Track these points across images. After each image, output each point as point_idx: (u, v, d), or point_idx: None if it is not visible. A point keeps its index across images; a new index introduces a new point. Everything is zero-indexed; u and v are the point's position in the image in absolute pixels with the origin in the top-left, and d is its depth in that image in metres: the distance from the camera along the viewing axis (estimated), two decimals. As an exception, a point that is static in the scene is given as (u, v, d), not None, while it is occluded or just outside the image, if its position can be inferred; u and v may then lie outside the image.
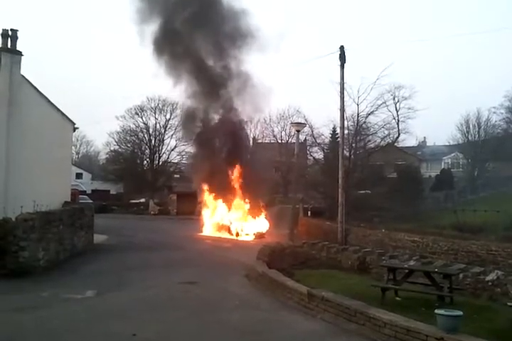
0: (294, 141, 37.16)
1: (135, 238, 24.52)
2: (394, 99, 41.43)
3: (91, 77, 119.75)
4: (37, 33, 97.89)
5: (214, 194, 31.11)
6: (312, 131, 40.22)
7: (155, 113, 55.83)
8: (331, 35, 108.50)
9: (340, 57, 21.34)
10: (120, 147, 58.53)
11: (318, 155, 44.28)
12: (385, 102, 38.02)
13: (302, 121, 34.64)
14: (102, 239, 22.75)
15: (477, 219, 25.69)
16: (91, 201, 40.01)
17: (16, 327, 8.64)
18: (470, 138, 55.92)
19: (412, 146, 58.00)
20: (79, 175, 64.48)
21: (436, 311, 7.29)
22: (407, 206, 35.68)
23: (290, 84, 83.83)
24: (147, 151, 57.81)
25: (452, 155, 62.34)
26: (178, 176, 60.20)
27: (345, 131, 29.14)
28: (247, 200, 30.21)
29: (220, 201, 30.82)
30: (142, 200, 53.37)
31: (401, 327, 7.64)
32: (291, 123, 36.08)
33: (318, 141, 41.30)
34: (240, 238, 27.68)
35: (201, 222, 30.71)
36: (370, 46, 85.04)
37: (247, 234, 28.00)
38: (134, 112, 55.82)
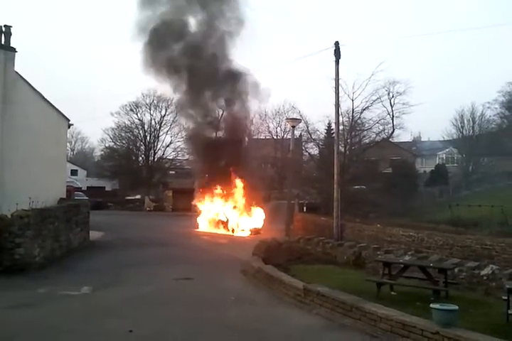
0: (289, 136, 37.10)
1: (131, 234, 24.46)
2: (389, 94, 41.28)
3: (86, 73, 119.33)
4: (33, 29, 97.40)
5: (210, 190, 31.09)
6: (307, 127, 40.30)
7: (150, 109, 55.64)
8: (326, 30, 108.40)
9: (335, 52, 21.31)
10: (115, 143, 58.30)
11: (314, 150, 44.37)
12: (379, 98, 37.94)
13: (297, 117, 34.62)
14: (97, 236, 22.70)
15: (471, 214, 25.82)
16: (86, 198, 39.92)
17: (12, 324, 8.63)
18: (464, 133, 56.13)
19: (407, 142, 58.10)
20: (74, 172, 64.20)
21: (431, 305, 7.33)
22: (402, 201, 35.82)
23: (285, 80, 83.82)
24: (142, 148, 57.63)
25: (447, 150, 62.54)
26: (173, 172, 60.06)
27: (341, 127, 29.23)
28: (243, 196, 30.21)
29: (216, 197, 30.80)
30: (138, 197, 53.25)
31: (397, 321, 7.68)
32: (287, 118, 36.04)
33: (313, 137, 41.39)
34: (236, 234, 27.70)
35: (197, 218, 30.70)
36: (365, 42, 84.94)
37: (243, 230, 28.02)
38: (128, 109, 55.56)
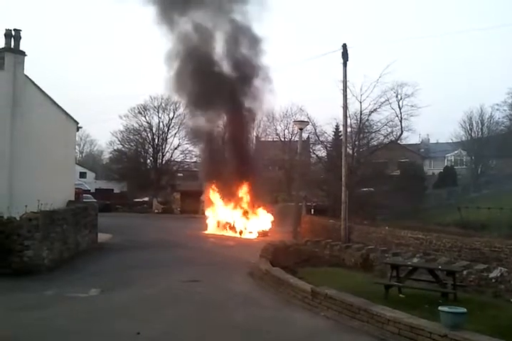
0: (297, 139, 37.05)
1: (139, 237, 24.54)
2: (397, 96, 41.25)
3: (94, 76, 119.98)
4: (40, 33, 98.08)
5: (218, 192, 31.14)
6: (315, 129, 40.17)
7: (158, 112, 55.79)
8: (333, 32, 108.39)
9: (342, 55, 21.32)
10: (123, 146, 58.52)
11: (321, 153, 44.24)
12: (387, 100, 37.85)
13: (305, 119, 34.62)
14: (106, 238, 22.78)
15: (480, 216, 25.65)
16: (95, 200, 40.06)
17: (20, 326, 8.67)
18: (473, 135, 55.83)
19: (415, 144, 57.90)
20: (83, 174, 64.51)
21: (439, 308, 7.30)
22: (410, 203, 35.66)
23: (293, 82, 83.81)
24: (150, 150, 57.78)
25: (455, 152, 62.29)
26: (181, 175, 60.18)
27: (348, 129, 29.05)
28: (251, 199, 30.22)
29: (224, 199, 30.83)
30: (146, 199, 53.41)
31: (404, 324, 7.66)
32: (294, 121, 35.96)
33: (321, 139, 41.24)
34: (243, 236, 27.73)
35: (205, 221, 30.76)
36: (372, 44, 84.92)
37: (250, 232, 28.06)
38: (137, 111, 55.76)
